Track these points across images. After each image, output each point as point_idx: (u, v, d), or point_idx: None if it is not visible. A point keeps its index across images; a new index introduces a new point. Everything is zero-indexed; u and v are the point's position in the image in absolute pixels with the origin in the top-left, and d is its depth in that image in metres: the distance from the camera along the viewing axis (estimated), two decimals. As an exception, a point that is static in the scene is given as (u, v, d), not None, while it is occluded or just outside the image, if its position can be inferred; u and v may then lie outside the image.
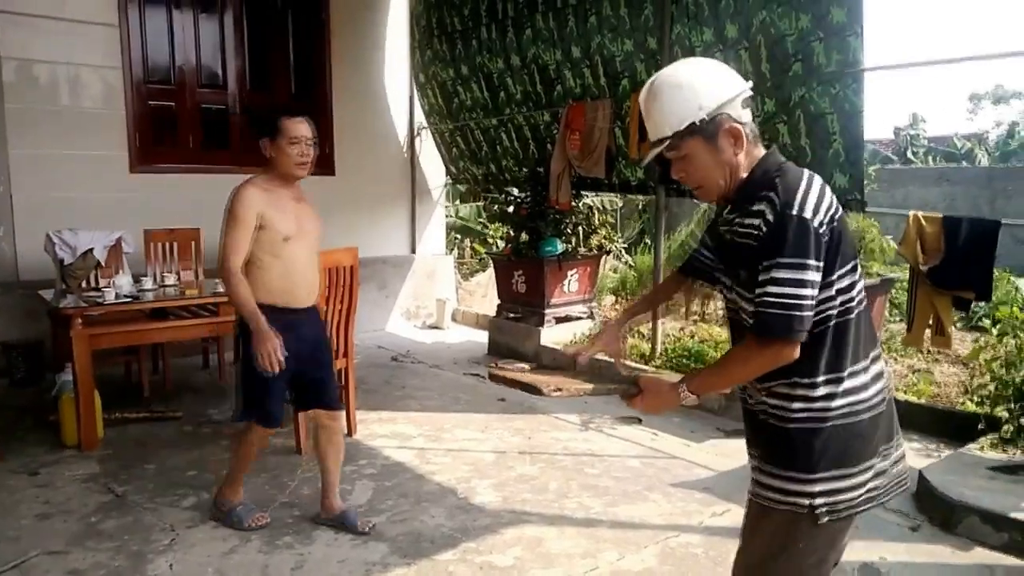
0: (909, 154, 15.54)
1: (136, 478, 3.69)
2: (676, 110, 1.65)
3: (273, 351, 2.83)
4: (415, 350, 6.47)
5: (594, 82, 5.74)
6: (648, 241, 8.87)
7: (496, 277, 6.70)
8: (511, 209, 6.73)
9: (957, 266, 4.14)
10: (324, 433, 3.20)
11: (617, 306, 7.85)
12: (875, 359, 1.68)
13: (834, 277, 1.59)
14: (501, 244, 6.80)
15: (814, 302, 1.55)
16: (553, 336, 6.07)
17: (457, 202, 9.70)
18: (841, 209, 1.63)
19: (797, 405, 1.63)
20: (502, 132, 6.77)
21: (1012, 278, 7.00)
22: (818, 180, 1.63)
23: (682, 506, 3.43)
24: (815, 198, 1.57)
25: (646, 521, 3.29)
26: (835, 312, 1.61)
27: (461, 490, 3.59)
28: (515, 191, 6.87)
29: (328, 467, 3.22)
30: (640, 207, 10.31)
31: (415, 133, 7.52)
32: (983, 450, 3.71)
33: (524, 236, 6.43)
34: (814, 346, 1.60)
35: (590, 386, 1.83)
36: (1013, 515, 3.02)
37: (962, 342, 5.62)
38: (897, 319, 6.51)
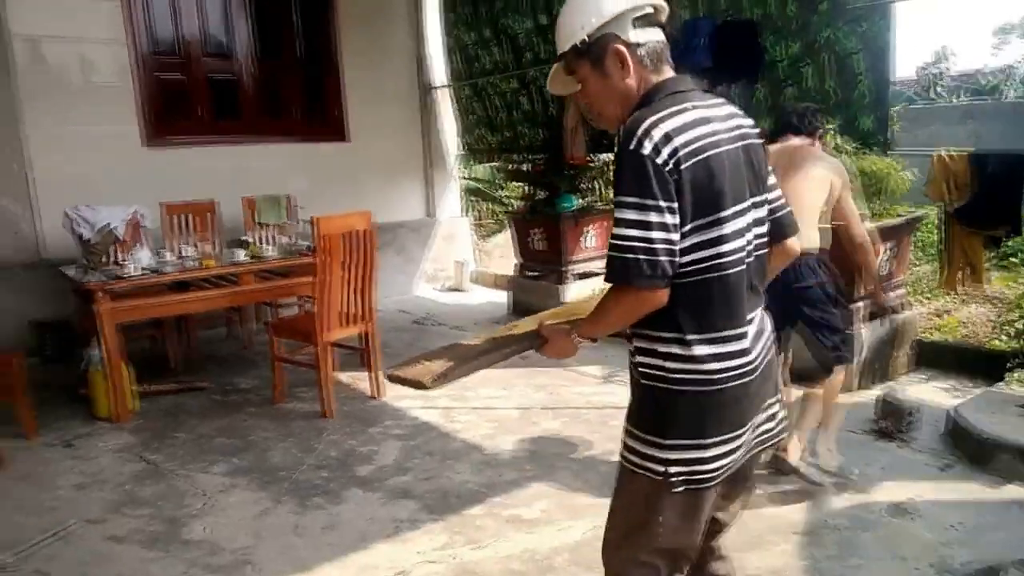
0: (934, 92, 15.09)
1: (168, 447, 3.76)
2: (567, 26, 1.54)
3: None
4: (436, 313, 6.48)
5: None
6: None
7: (514, 236, 6.66)
8: (526, 167, 6.65)
9: (986, 203, 4.04)
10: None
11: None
12: (744, 333, 1.51)
13: (688, 228, 1.41)
14: (517, 204, 6.75)
15: (669, 246, 1.39)
16: (574, 292, 6.05)
17: (472, 162, 9.60)
18: (715, 155, 1.43)
19: (655, 362, 1.50)
20: (521, 96, 6.65)
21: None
22: (688, 116, 1.43)
23: (708, 454, 3.42)
24: (663, 132, 1.38)
25: (672, 470, 3.29)
26: (694, 267, 1.44)
27: (487, 447, 3.62)
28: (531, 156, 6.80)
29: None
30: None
31: (427, 94, 7.42)
32: (1013, 386, 3.66)
33: (540, 193, 6.36)
34: (673, 300, 1.45)
35: (486, 357, 1.70)
36: (1046, 450, 2.98)
37: (991, 281, 5.51)
38: (924, 260, 6.39)
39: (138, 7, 5.76)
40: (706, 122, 1.45)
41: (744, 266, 1.50)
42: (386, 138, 7.12)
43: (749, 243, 1.51)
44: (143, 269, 4.20)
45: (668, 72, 1.54)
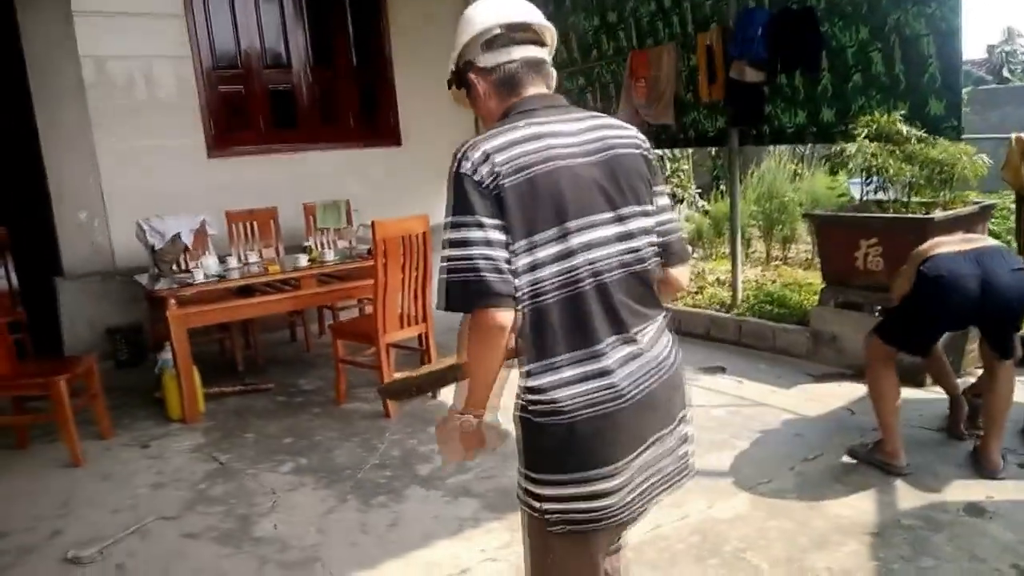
0: (1005, 72, 14.43)
1: (237, 447, 3.89)
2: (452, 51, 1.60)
3: None
4: (492, 312, 6.51)
5: (682, 30, 5.58)
6: (724, 187, 8.60)
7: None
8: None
9: (1065, 187, 3.85)
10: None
11: (694, 253, 7.66)
12: (600, 353, 1.41)
13: (517, 247, 1.36)
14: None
15: (495, 263, 1.33)
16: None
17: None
18: (548, 171, 1.39)
19: (519, 391, 1.45)
20: (588, 94, 6.63)
21: None
22: (517, 133, 1.40)
23: (772, 453, 3.36)
24: (482, 151, 1.37)
25: (735, 469, 3.24)
26: (530, 289, 1.37)
27: (546, 446, 3.62)
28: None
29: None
30: (713, 152, 9.99)
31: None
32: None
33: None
34: (517, 328, 1.40)
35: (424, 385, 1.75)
36: None
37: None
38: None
39: (201, 23, 5.97)
40: (540, 138, 1.41)
41: (595, 284, 1.41)
42: (439, 140, 7.13)
43: (609, 258, 1.43)
44: (210, 276, 4.35)
45: (530, 90, 1.51)
